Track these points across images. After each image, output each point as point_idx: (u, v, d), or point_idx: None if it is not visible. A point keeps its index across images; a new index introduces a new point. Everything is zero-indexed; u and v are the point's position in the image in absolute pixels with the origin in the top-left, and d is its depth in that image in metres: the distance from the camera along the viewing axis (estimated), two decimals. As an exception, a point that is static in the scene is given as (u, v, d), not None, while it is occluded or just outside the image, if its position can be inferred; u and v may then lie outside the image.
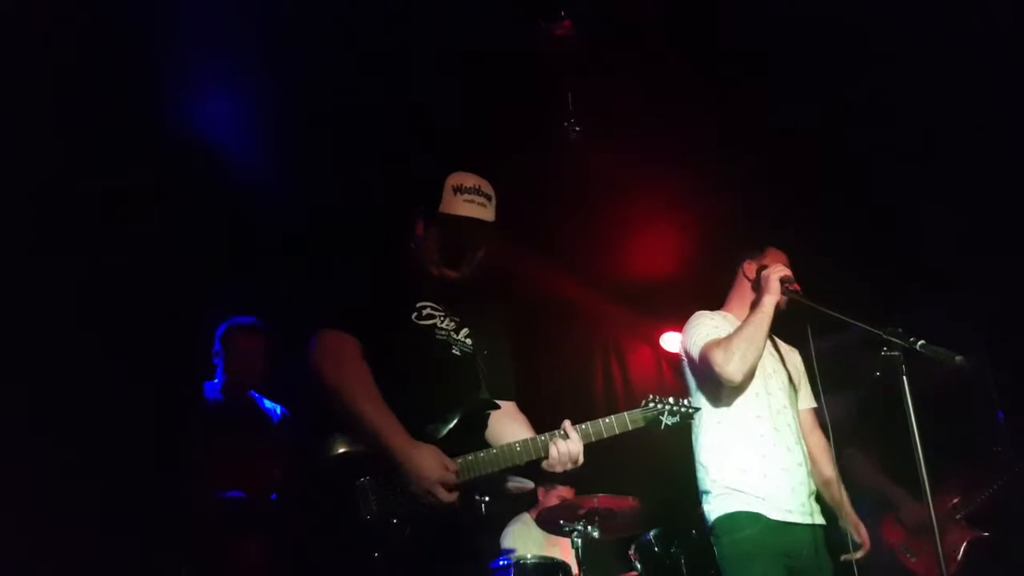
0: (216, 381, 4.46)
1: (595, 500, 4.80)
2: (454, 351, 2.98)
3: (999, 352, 5.20)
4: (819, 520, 3.69)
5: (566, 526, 4.88)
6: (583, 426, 2.84)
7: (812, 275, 3.80)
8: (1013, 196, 4.98)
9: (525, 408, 3.11)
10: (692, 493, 3.81)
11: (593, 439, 2.85)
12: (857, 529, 3.78)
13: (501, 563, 4.77)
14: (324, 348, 2.84)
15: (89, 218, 4.45)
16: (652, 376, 7.38)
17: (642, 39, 4.59)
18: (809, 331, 3.75)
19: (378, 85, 4.70)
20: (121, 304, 4.46)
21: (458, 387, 2.91)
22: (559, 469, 2.82)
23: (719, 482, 3.64)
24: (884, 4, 4.33)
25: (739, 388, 3.66)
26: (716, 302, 3.98)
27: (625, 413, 2.87)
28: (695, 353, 3.71)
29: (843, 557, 3.72)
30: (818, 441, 3.92)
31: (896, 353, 3.07)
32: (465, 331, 3.03)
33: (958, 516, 4.94)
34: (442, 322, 2.98)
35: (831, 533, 3.77)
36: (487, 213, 2.99)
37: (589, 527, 4.82)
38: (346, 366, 2.80)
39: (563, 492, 5.75)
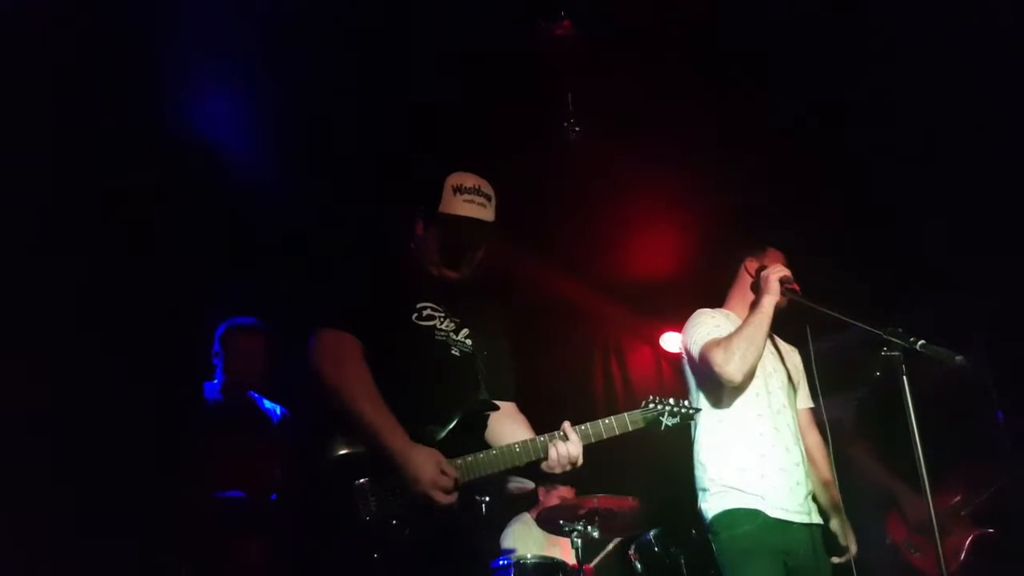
0: (216, 381, 4.46)
1: (595, 500, 4.80)
2: (454, 352, 2.97)
3: (999, 352, 5.19)
4: (816, 520, 3.69)
5: (566, 526, 4.88)
6: (583, 427, 2.84)
7: (812, 275, 3.80)
8: (1013, 196, 4.97)
9: (525, 408, 3.10)
10: (692, 493, 3.81)
11: (593, 440, 2.85)
12: (846, 533, 3.79)
13: (501, 563, 4.78)
14: (324, 348, 2.84)
15: (89, 218, 4.45)
16: (652, 376, 7.38)
17: (642, 39, 4.59)
18: (808, 331, 3.76)
19: (378, 85, 4.70)
20: (121, 304, 4.45)
21: (458, 388, 2.91)
22: (558, 470, 2.82)
23: (717, 480, 3.64)
24: (884, 4, 4.33)
25: (739, 387, 3.66)
26: (716, 302, 3.98)
27: (625, 414, 2.87)
28: (695, 352, 3.71)
29: (832, 559, 3.72)
30: (815, 441, 3.93)
31: (896, 353, 3.07)
32: (465, 331, 3.02)
33: (962, 513, 4.93)
34: (442, 323, 2.98)
35: (829, 533, 3.78)
36: (487, 213, 2.99)
37: (589, 527, 4.82)
38: (346, 366, 2.79)
39: (563, 492, 5.76)
